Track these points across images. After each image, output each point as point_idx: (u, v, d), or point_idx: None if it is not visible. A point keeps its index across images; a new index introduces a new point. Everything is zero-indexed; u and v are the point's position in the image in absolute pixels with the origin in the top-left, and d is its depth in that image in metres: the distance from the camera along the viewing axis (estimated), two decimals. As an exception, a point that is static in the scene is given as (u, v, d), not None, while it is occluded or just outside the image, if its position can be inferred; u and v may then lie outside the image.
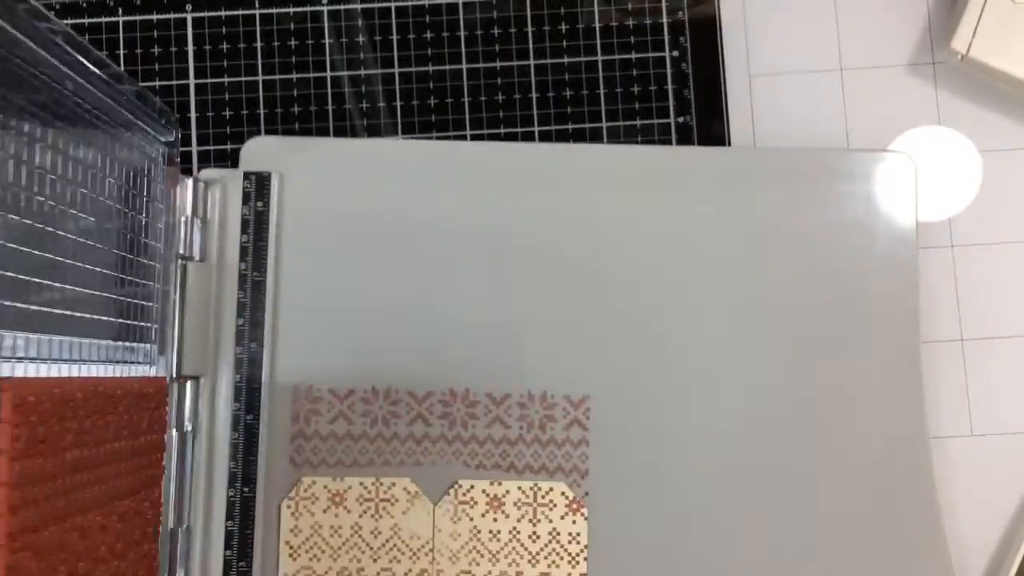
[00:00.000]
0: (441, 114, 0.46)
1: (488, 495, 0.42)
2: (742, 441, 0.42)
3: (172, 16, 0.45)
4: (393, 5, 0.45)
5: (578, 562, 0.42)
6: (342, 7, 0.45)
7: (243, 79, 0.45)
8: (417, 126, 0.46)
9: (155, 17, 0.45)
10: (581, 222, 0.43)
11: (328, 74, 0.45)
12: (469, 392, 0.43)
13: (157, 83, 0.45)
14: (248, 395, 0.42)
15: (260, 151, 0.44)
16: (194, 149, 0.45)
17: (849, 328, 0.43)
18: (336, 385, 0.43)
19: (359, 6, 0.45)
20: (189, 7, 0.45)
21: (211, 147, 0.45)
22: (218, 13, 0.45)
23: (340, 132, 0.46)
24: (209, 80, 0.45)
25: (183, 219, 0.42)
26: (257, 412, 0.42)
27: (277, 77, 0.45)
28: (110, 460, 0.35)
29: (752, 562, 0.42)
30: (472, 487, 0.42)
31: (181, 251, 0.42)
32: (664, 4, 0.46)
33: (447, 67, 0.45)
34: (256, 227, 0.43)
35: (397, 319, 0.43)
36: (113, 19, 0.45)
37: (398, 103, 0.46)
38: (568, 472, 0.43)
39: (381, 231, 0.43)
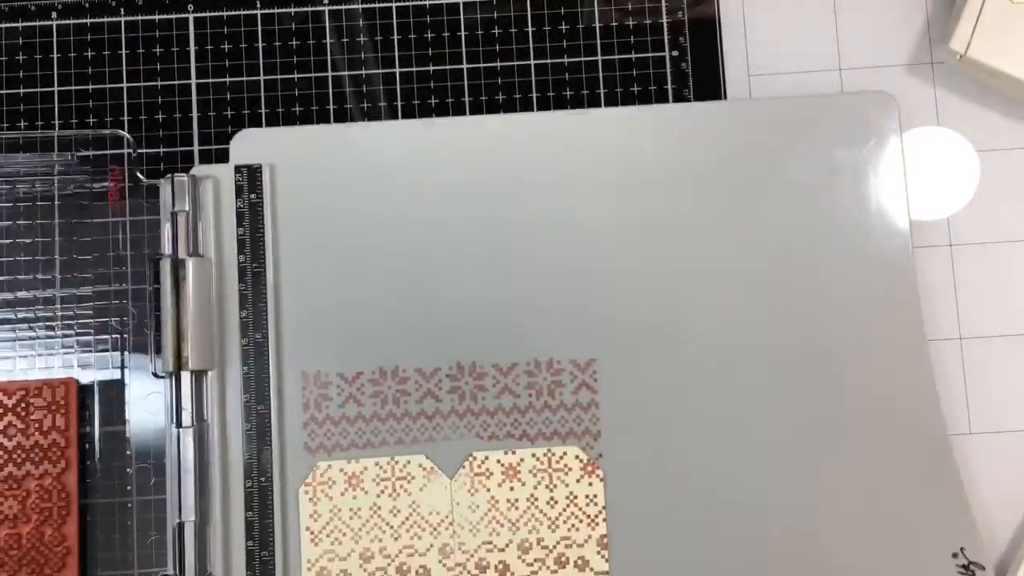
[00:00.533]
0: (441, 114, 0.46)
1: (503, 465, 0.43)
2: (749, 392, 0.43)
3: (174, 16, 0.45)
4: (394, 5, 0.46)
5: (597, 523, 0.42)
6: (343, 7, 0.45)
7: (244, 79, 0.45)
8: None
9: (157, 17, 0.45)
10: (578, 187, 0.44)
11: (329, 74, 0.46)
12: (476, 365, 0.43)
13: (159, 83, 0.45)
14: (257, 385, 0.43)
15: (250, 144, 0.44)
16: (195, 149, 0.45)
17: (848, 273, 0.43)
18: (344, 369, 0.43)
19: (360, 6, 0.45)
20: (191, 7, 0.45)
21: (212, 147, 0.45)
22: (220, 13, 0.45)
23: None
24: (211, 80, 0.45)
25: (183, 216, 0.42)
26: (267, 401, 0.43)
27: (278, 77, 0.45)
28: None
29: (767, 509, 0.42)
30: (487, 458, 0.43)
31: (179, 248, 0.42)
32: (664, 4, 0.46)
33: (447, 67, 0.46)
34: (251, 219, 0.43)
35: (399, 299, 0.43)
36: (115, 19, 0.45)
37: (398, 103, 0.46)
38: (580, 435, 0.43)
39: (377, 214, 0.44)
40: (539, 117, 0.45)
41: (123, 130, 0.44)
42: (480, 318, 0.43)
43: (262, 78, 0.46)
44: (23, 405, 0.41)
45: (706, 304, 0.43)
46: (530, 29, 0.46)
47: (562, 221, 0.43)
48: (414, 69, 0.46)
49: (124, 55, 0.45)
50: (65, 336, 0.43)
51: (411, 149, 0.44)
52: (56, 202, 0.44)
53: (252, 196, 0.44)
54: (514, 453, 0.43)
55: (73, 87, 0.45)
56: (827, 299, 0.43)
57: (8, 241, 0.43)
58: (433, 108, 0.46)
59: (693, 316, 0.43)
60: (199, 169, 0.43)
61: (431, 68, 0.46)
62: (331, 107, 0.46)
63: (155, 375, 0.43)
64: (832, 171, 0.43)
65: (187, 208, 0.43)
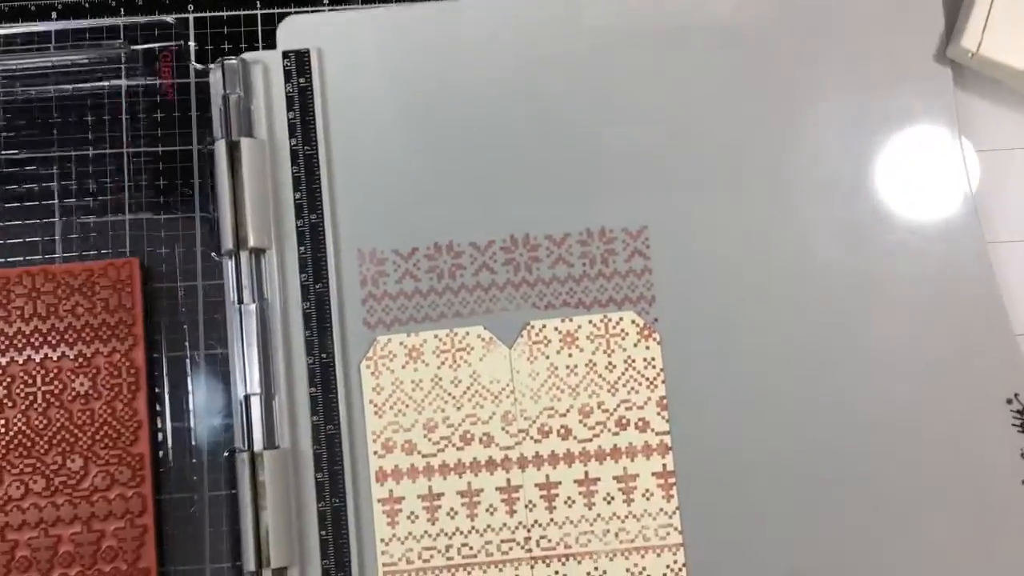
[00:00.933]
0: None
1: (560, 332, 0.43)
2: (801, 249, 0.43)
3: (174, 17, 0.46)
4: (394, 6, 0.46)
5: (656, 385, 0.43)
6: (343, 7, 0.45)
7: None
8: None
9: (157, 18, 0.45)
10: (624, 56, 0.44)
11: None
12: (529, 236, 0.44)
13: (158, 82, 0.45)
14: (314, 265, 0.43)
15: (296, 30, 0.44)
16: (194, 148, 0.45)
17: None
18: (399, 245, 0.44)
19: (360, 7, 0.45)
20: (191, 7, 0.46)
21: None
22: (220, 13, 0.45)
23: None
24: (210, 79, 0.45)
25: (235, 99, 0.43)
26: (325, 280, 0.43)
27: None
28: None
29: (820, 357, 0.43)
30: (544, 326, 0.43)
31: (232, 130, 0.43)
32: None
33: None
34: (301, 103, 0.44)
35: (450, 174, 0.44)
36: (115, 20, 0.45)
37: None
38: (635, 301, 0.43)
39: (423, 92, 0.44)
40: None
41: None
42: (531, 191, 0.44)
43: None
44: (89, 285, 0.41)
45: (757, 166, 0.44)
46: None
47: (609, 90, 0.44)
48: None
49: (123, 55, 0.45)
50: (131, 217, 0.44)
51: (455, 25, 0.44)
52: (107, 91, 0.44)
53: (301, 80, 0.44)
54: (571, 320, 0.43)
55: None
56: (882, 180, 0.44)
57: (67, 128, 0.44)
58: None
59: (744, 179, 0.44)
60: (248, 55, 0.44)
61: None
62: None
63: (214, 256, 0.43)
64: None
65: (239, 91, 0.43)
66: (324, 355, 0.43)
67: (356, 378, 0.43)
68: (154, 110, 0.44)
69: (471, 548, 0.42)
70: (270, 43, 0.45)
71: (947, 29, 0.44)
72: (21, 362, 0.41)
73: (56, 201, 0.43)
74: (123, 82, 0.44)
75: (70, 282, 0.41)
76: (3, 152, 0.43)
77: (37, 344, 0.41)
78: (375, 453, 0.42)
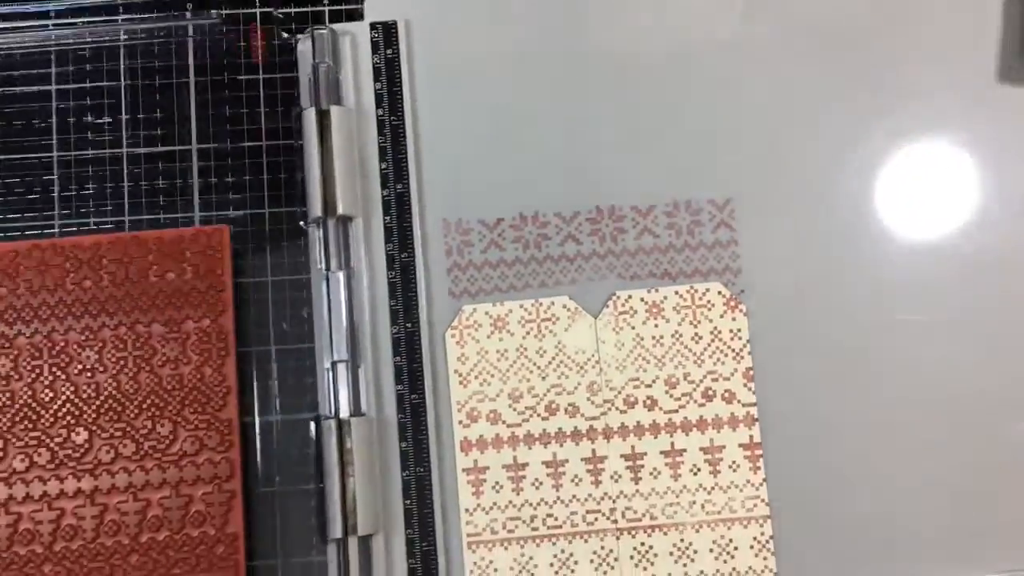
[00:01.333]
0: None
1: (646, 303, 0.43)
2: (884, 216, 0.43)
3: (174, 17, 0.45)
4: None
5: (742, 356, 0.43)
6: (343, 7, 0.46)
7: (244, 78, 0.45)
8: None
9: (156, 19, 0.45)
10: (709, 31, 0.44)
11: (124, 18, 0.45)
12: (615, 207, 0.44)
13: (158, 81, 0.45)
14: (400, 234, 0.43)
15: (383, 1, 0.45)
16: (194, 148, 0.45)
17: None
18: (484, 215, 0.44)
19: (360, 7, 0.46)
20: (191, 7, 0.46)
21: (212, 145, 0.45)
22: (219, 13, 0.45)
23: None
24: (209, 77, 0.45)
25: (324, 67, 0.43)
26: (411, 250, 0.43)
27: (278, 76, 0.45)
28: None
29: (911, 326, 0.42)
30: (630, 297, 0.43)
31: (321, 99, 0.43)
32: None
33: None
34: (388, 74, 0.44)
35: (536, 144, 0.44)
36: (115, 19, 0.45)
37: None
38: (721, 272, 0.43)
39: (510, 62, 0.44)
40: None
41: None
42: (616, 162, 0.44)
43: (261, 77, 0.45)
44: (179, 252, 0.42)
45: (841, 149, 0.43)
46: None
47: (695, 65, 0.44)
48: None
49: (123, 55, 0.45)
50: (217, 185, 0.44)
51: None
52: (192, 60, 0.45)
53: (388, 51, 0.44)
54: (657, 291, 0.43)
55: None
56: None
57: (148, 99, 0.44)
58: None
59: (825, 151, 0.43)
60: (337, 26, 0.44)
61: None
62: None
63: (302, 224, 0.43)
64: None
65: (328, 61, 0.43)
66: (409, 324, 0.43)
67: (441, 347, 0.43)
68: (236, 77, 0.45)
69: (556, 519, 0.42)
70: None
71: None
72: (112, 327, 0.41)
73: (124, 167, 0.44)
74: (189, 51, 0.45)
75: (161, 248, 0.42)
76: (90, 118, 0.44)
77: (128, 309, 0.41)
78: (460, 423, 0.42)
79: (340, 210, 0.42)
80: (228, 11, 0.45)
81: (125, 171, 0.44)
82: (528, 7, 0.44)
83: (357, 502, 0.41)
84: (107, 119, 0.44)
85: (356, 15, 0.45)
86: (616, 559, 0.41)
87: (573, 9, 0.44)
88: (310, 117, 0.43)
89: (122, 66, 0.44)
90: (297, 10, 0.45)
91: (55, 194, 0.43)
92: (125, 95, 0.44)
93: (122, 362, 0.41)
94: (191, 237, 0.42)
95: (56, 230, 0.43)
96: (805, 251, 0.43)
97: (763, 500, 0.42)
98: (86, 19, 0.44)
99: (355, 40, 0.44)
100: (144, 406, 0.41)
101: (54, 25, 0.44)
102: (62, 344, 0.41)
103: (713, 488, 0.42)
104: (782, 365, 0.42)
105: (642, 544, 0.41)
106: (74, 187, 0.43)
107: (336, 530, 0.40)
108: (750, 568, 0.41)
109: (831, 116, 0.44)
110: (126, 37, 0.44)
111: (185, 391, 0.41)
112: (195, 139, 0.44)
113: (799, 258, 0.43)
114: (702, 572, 0.41)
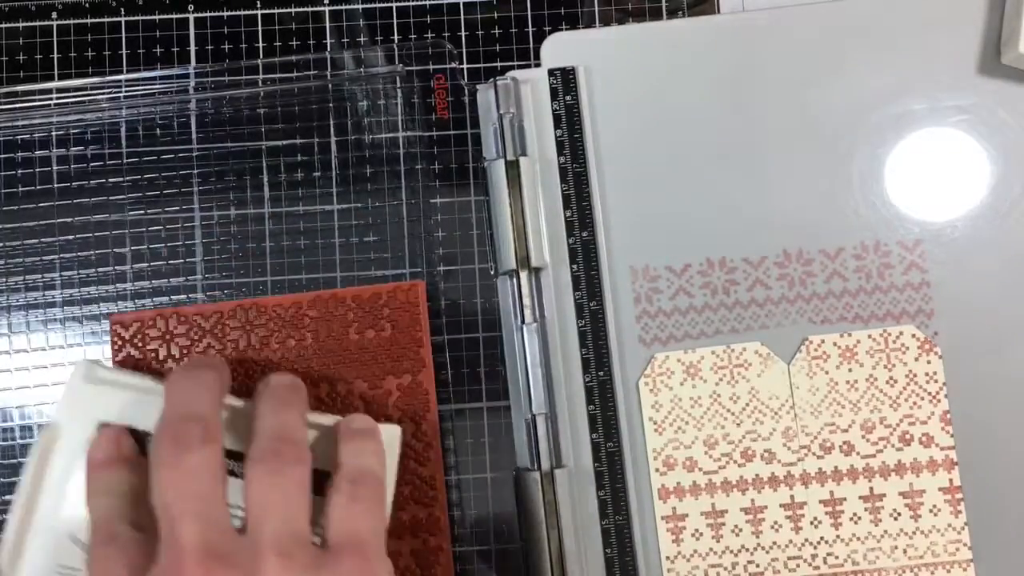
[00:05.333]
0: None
1: (839, 347, 0.43)
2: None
3: (175, 17, 0.45)
4: (394, 6, 0.45)
5: (939, 400, 0.42)
6: (343, 7, 0.45)
7: (243, 78, 0.45)
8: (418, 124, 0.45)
9: (157, 18, 0.45)
10: (887, 70, 0.44)
11: (329, 73, 0.45)
12: (802, 251, 0.43)
13: (158, 80, 0.45)
14: (588, 283, 0.43)
15: (559, 48, 0.44)
16: (194, 148, 0.44)
17: None
18: (671, 262, 0.44)
19: (360, 7, 0.45)
20: (191, 7, 0.45)
21: (212, 145, 0.44)
22: (220, 13, 0.45)
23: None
24: (210, 79, 0.45)
25: (508, 118, 0.43)
26: (600, 298, 0.43)
27: (277, 76, 0.45)
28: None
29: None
30: (823, 341, 0.43)
31: (506, 150, 0.43)
32: (664, 4, 0.46)
33: (447, 67, 0.45)
34: (568, 121, 0.44)
35: (722, 191, 0.44)
36: (115, 19, 0.45)
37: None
38: (914, 315, 0.43)
39: (687, 106, 0.44)
40: (856, 3, 0.45)
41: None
42: (802, 206, 0.44)
43: (261, 77, 0.44)
44: (377, 308, 0.42)
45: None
46: (530, 29, 0.46)
47: (875, 104, 0.44)
48: (415, 68, 0.45)
49: (124, 55, 0.45)
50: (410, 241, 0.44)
51: (721, 41, 0.44)
52: (383, 115, 0.45)
53: (568, 98, 0.44)
54: (850, 335, 0.43)
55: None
56: None
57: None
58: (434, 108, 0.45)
59: (1017, 187, 0.43)
60: (518, 73, 0.44)
61: (431, 67, 0.45)
62: (331, 106, 0.45)
63: (493, 275, 0.43)
64: None
65: (513, 110, 0.43)
66: (601, 373, 0.43)
67: (634, 396, 0.43)
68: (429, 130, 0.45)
69: (757, 565, 0.42)
70: (270, 42, 0.44)
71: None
72: (314, 381, 0.41)
73: (335, 224, 0.44)
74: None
75: (360, 305, 0.42)
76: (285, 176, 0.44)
77: (332, 364, 0.41)
78: (656, 470, 0.42)
79: (534, 262, 0.42)
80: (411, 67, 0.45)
81: (336, 228, 0.44)
82: (707, 54, 0.44)
83: (565, 554, 0.41)
84: (317, 174, 0.44)
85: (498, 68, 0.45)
86: (821, 605, 0.42)
87: (752, 55, 0.44)
88: (499, 168, 0.43)
89: (332, 123, 0.45)
90: (485, 65, 0.45)
91: (267, 261, 0.44)
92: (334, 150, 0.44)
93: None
94: (389, 293, 0.42)
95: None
96: (998, 291, 0.43)
97: (965, 544, 0.42)
98: (294, 74, 0.45)
99: (534, 87, 0.44)
100: (348, 463, 0.41)
101: (262, 82, 0.44)
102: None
103: (914, 532, 0.42)
104: (980, 407, 0.42)
105: (844, 589, 0.42)
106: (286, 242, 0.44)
107: (544, 578, 0.41)
108: (956, 612, 0.41)
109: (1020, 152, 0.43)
110: (334, 99, 0.44)
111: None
112: (404, 195, 0.44)
113: (993, 298, 0.43)
114: (908, 617, 0.41)
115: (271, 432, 0.35)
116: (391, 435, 0.38)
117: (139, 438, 0.37)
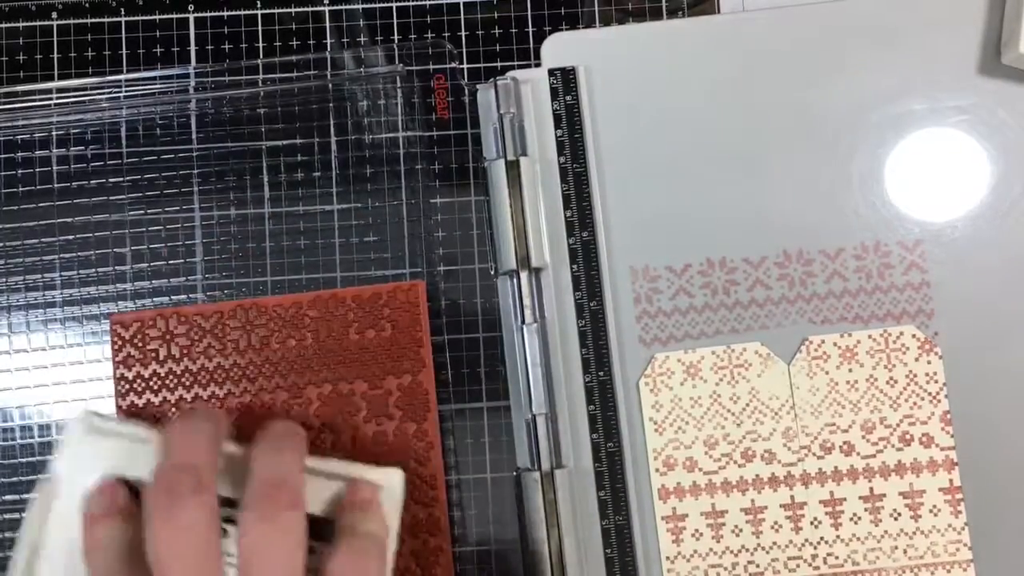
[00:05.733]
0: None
1: (839, 347, 0.43)
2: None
3: (175, 17, 0.45)
4: (394, 6, 0.45)
5: (939, 400, 0.42)
6: (343, 7, 0.45)
7: (243, 78, 0.45)
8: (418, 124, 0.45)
9: (157, 18, 0.45)
10: (888, 70, 0.44)
11: (329, 73, 0.45)
12: (802, 252, 0.43)
13: (158, 80, 0.45)
14: (588, 283, 0.43)
15: (559, 48, 0.44)
16: (194, 148, 0.44)
17: None
18: (672, 262, 0.44)
19: (360, 7, 0.45)
20: (191, 7, 0.45)
21: (212, 145, 0.44)
22: (220, 13, 0.45)
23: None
24: (210, 79, 0.45)
25: (508, 118, 0.43)
26: (600, 298, 0.43)
27: (277, 76, 0.45)
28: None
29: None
30: (823, 342, 0.43)
31: (508, 149, 0.43)
32: (664, 4, 0.46)
33: (447, 67, 0.45)
34: (568, 121, 0.44)
35: (722, 191, 0.44)
36: (115, 19, 0.45)
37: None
38: (914, 315, 0.43)
39: (688, 107, 0.44)
40: (856, 3, 0.45)
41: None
42: (802, 207, 0.44)
43: (260, 77, 0.45)
44: (377, 309, 0.42)
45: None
46: (530, 30, 0.45)
47: (875, 104, 0.44)
48: (416, 68, 0.45)
49: (124, 55, 0.45)
50: (409, 240, 0.44)
51: (722, 41, 0.44)
52: (381, 114, 0.45)
53: (568, 98, 0.44)
54: (850, 335, 0.43)
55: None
56: None
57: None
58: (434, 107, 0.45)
59: (1017, 187, 0.43)
60: (518, 73, 0.44)
61: (431, 67, 0.45)
62: (331, 106, 0.45)
63: (493, 275, 0.43)
64: None
65: (513, 110, 0.43)
66: (601, 373, 0.43)
67: (634, 396, 0.43)
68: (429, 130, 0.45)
69: (757, 566, 0.42)
70: (270, 42, 0.44)
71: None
72: (317, 383, 0.41)
73: (335, 224, 0.44)
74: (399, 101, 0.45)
75: (360, 305, 0.42)
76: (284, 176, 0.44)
77: (333, 364, 0.41)
78: (656, 471, 0.42)
79: (534, 262, 0.42)
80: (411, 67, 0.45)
81: (336, 228, 0.44)
82: (707, 54, 0.44)
83: (565, 554, 0.41)
84: (317, 174, 0.44)
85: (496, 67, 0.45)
86: (821, 606, 0.42)
87: (752, 55, 0.44)
88: (499, 169, 0.43)
89: (332, 123, 0.45)
90: (484, 65, 0.45)
91: (267, 261, 0.44)
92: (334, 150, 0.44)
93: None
94: (389, 293, 0.42)
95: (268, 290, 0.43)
96: (999, 291, 0.43)
97: (965, 544, 0.42)
98: (294, 74, 0.45)
99: (534, 87, 0.44)
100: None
101: (262, 82, 0.44)
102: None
103: (915, 533, 0.42)
104: (980, 407, 0.42)
105: (844, 589, 0.42)
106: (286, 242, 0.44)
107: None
108: (956, 613, 0.41)
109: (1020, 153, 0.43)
110: (334, 99, 0.44)
111: (389, 447, 0.41)
112: (404, 195, 0.44)
113: (993, 299, 0.43)
114: (908, 617, 0.41)
115: (265, 478, 0.34)
116: (395, 480, 0.38)
117: (138, 487, 0.37)
